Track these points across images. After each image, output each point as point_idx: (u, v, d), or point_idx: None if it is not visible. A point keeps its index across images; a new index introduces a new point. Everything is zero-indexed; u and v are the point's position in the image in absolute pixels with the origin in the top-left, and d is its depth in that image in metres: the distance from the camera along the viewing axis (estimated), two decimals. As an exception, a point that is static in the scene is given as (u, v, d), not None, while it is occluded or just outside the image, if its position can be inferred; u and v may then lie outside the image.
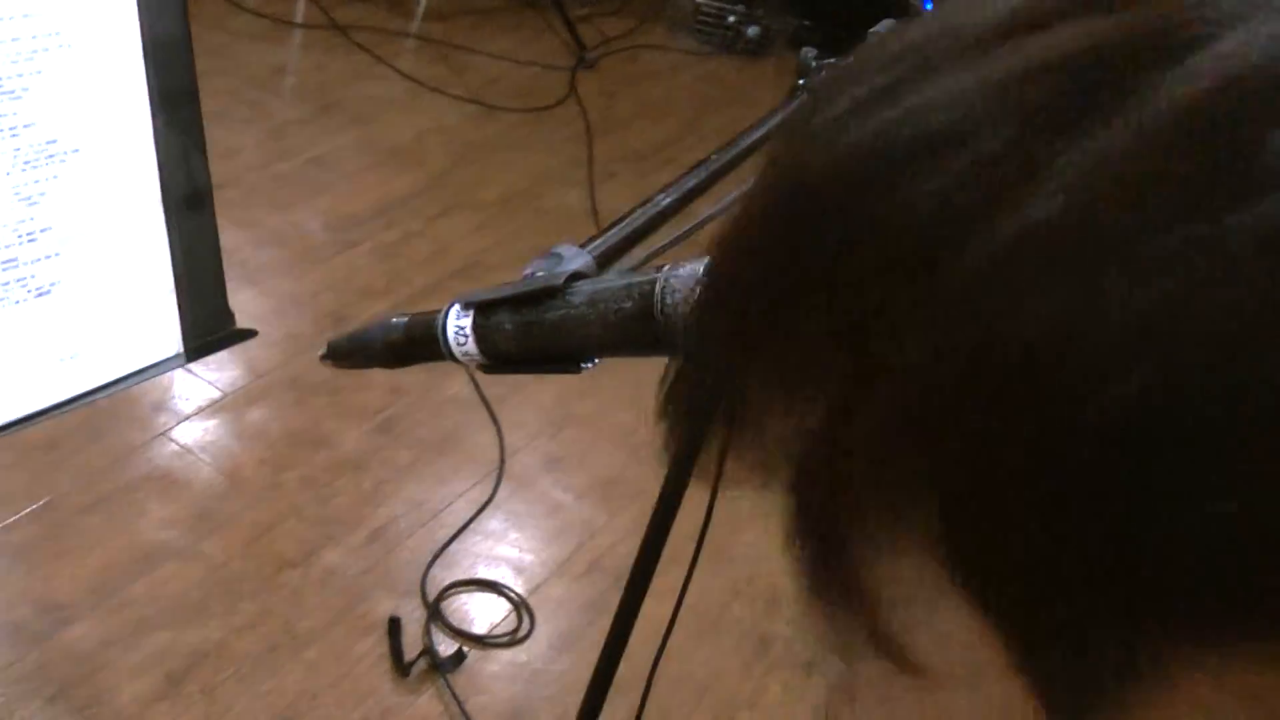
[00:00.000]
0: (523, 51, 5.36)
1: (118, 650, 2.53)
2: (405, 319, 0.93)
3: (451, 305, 0.88)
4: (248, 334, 1.61)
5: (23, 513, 2.76)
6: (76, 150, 1.42)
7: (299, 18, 5.21)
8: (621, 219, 1.05)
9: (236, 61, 4.72)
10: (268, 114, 4.52)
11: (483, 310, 0.85)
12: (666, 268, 0.78)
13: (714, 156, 1.28)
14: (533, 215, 4.28)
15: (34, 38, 1.38)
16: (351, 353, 0.96)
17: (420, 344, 0.90)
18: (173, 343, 1.55)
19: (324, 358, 0.99)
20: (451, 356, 0.88)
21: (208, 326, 1.58)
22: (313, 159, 4.30)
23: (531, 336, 0.82)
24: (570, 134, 4.87)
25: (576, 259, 0.88)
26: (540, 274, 0.85)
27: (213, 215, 1.57)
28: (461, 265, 3.88)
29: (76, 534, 2.76)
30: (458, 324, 0.87)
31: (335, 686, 2.58)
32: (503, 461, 3.20)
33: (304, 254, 3.81)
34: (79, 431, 2.94)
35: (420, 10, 5.51)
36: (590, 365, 0.84)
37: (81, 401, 1.48)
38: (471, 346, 0.86)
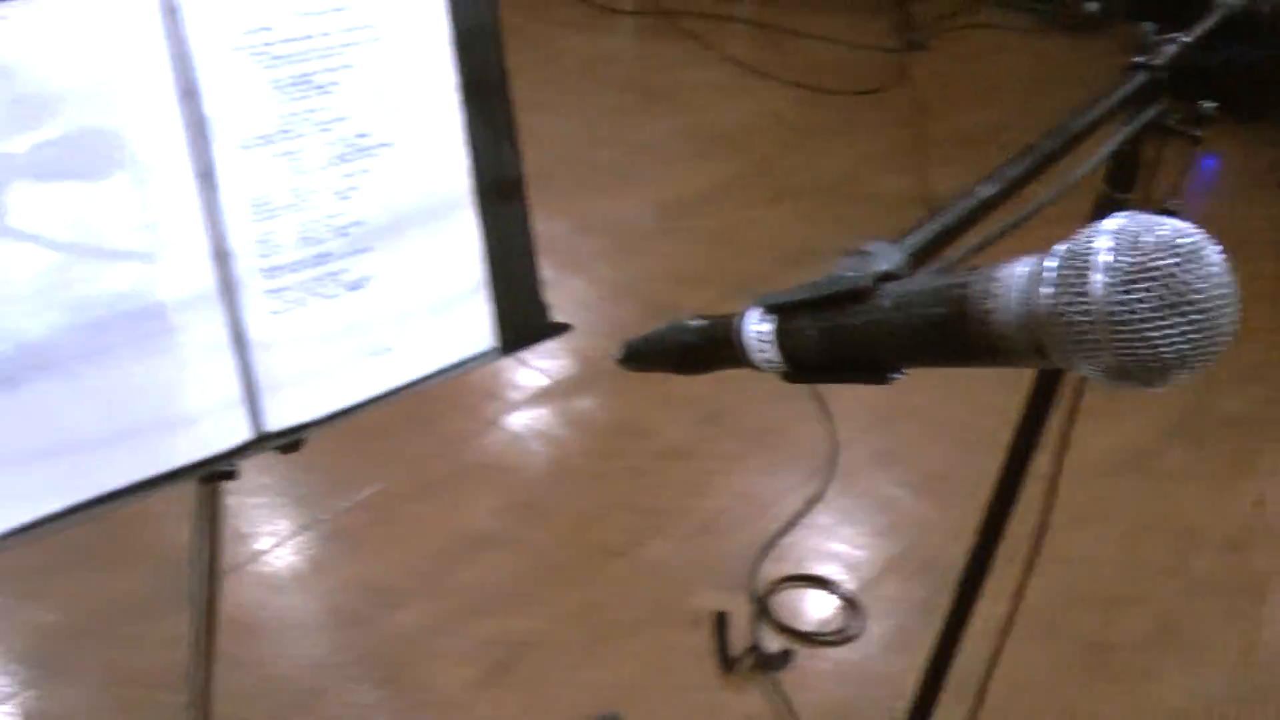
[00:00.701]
0: (851, 34, 5.26)
1: (445, 636, 2.55)
2: (702, 322, 0.87)
3: (752, 308, 0.82)
4: (563, 328, 1.57)
5: (356, 499, 2.81)
6: (387, 143, 1.41)
7: (626, 4, 5.22)
8: (938, 213, 0.96)
9: (562, 50, 4.75)
10: (594, 101, 4.53)
11: (785, 313, 0.79)
12: (982, 270, 0.69)
13: (1040, 143, 1.18)
14: (860, 202, 4.18)
15: (345, 31, 1.37)
16: (647, 356, 0.91)
17: (718, 348, 0.83)
18: (487, 336, 1.53)
19: (619, 360, 0.94)
20: (751, 363, 0.81)
21: (522, 319, 1.56)
22: (638, 146, 4.30)
23: (836, 343, 0.75)
24: (899, 117, 4.75)
25: (886, 257, 0.80)
26: (848, 274, 0.77)
27: (525, 206, 1.54)
28: (787, 253, 3.81)
29: (407, 520, 2.80)
30: (758, 328, 0.80)
31: (659, 680, 2.55)
32: (834, 454, 3.12)
33: (630, 242, 3.80)
34: (411, 418, 2.99)
35: (749, -7, 5.47)
36: (898, 376, 0.76)
37: (396, 395, 1.48)
38: (773, 352, 0.79)
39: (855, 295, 0.74)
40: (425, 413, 3.03)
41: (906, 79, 5.01)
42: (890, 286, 0.75)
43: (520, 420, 3.11)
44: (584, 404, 3.19)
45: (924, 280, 0.73)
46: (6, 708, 2.31)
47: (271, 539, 2.69)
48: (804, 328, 0.77)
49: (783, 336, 0.78)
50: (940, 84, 5.02)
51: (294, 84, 1.34)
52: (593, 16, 5.08)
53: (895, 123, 4.71)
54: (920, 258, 0.91)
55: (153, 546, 2.51)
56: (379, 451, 2.92)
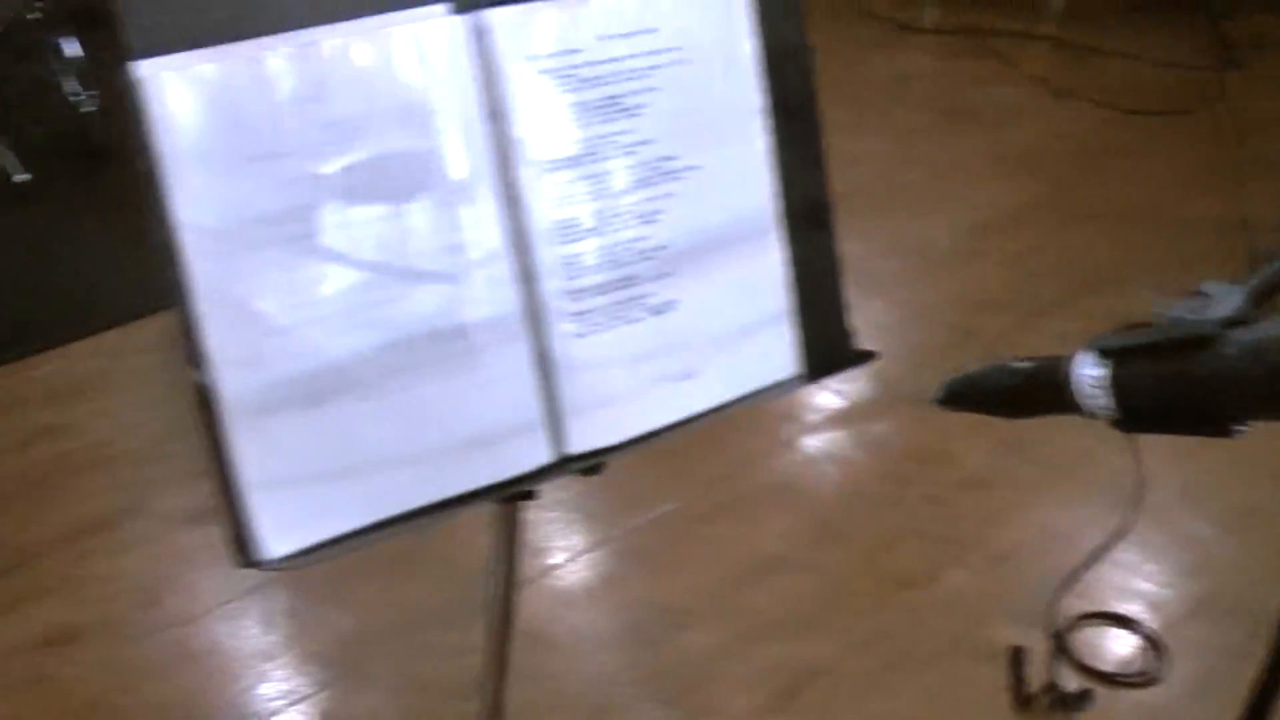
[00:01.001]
0: (1160, 52, 5.09)
1: (732, 660, 2.54)
2: (1027, 364, 0.82)
3: (1083, 352, 0.77)
4: (868, 355, 1.54)
5: (649, 517, 2.82)
6: (693, 167, 1.39)
7: (927, 22, 5.15)
8: (1274, 251, 0.90)
9: (863, 68, 4.71)
10: (894, 121, 4.48)
11: (1119, 358, 0.74)
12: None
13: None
14: (1170, 226, 4.03)
15: (653, 53, 1.36)
16: (968, 397, 0.87)
17: (1044, 392, 0.79)
18: (790, 363, 1.50)
19: (939, 402, 0.90)
20: (1080, 409, 0.77)
21: (827, 346, 1.53)
22: (940, 166, 4.23)
23: (1177, 392, 0.70)
24: (1211, 138, 4.56)
25: (1227, 300, 0.74)
26: (1188, 318, 0.72)
27: (833, 232, 1.51)
28: (1092, 278, 3.69)
29: (698, 540, 2.79)
30: (1091, 374, 0.75)
31: (951, 715, 2.48)
32: (1138, 487, 3.00)
33: (930, 264, 3.74)
34: (705, 438, 2.95)
35: (1055, 11, 5.34)
36: (1244, 429, 0.70)
37: (698, 421, 1.46)
38: (1105, 399, 0.74)
39: (1198, 342, 0.69)
40: (719, 432, 3.02)
41: (1219, 99, 4.81)
42: (1237, 333, 0.69)
43: (815, 443, 3.07)
44: (880, 428, 3.14)
45: (1275, 327, 0.67)
46: (302, 707, 2.38)
47: (565, 554, 2.71)
48: (1141, 375, 0.72)
49: (1117, 383, 0.73)
50: (1256, 104, 4.81)
51: (601, 106, 1.34)
52: (894, 35, 5.02)
53: (1206, 144, 4.53)
54: (1261, 299, 0.85)
55: (449, 556, 2.56)
56: (673, 470, 2.92)
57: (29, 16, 3.83)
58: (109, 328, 3.23)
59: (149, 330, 3.21)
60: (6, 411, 2.98)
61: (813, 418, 3.14)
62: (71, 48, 3.94)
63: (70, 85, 3.89)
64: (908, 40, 5.09)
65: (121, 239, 3.49)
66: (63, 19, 3.93)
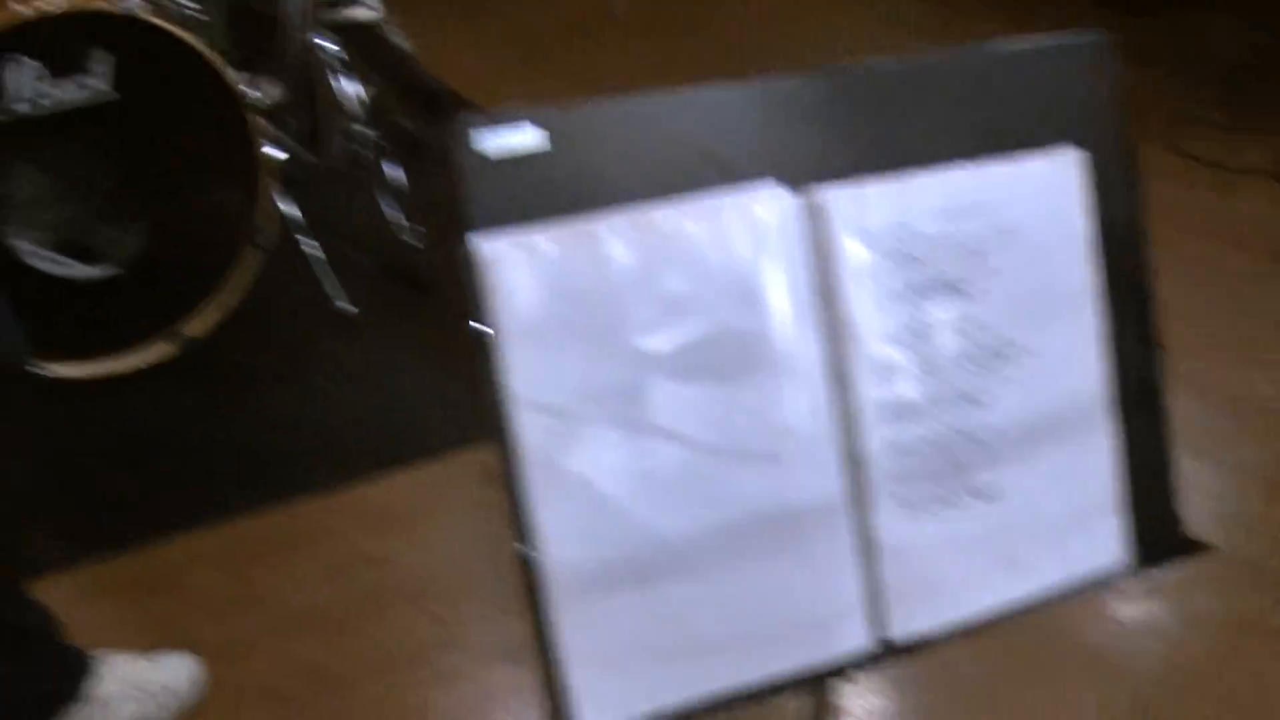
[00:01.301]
0: None
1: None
2: None
3: None
4: (1201, 547, 1.47)
5: (952, 681, 2.73)
6: (1024, 348, 1.37)
7: (1255, 163, 4.98)
8: None
9: (1182, 211, 4.55)
10: (1220, 269, 4.32)
11: None
12: None
13: None
14: None
15: (986, 232, 1.34)
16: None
17: None
18: (1118, 552, 1.45)
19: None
20: None
21: (1157, 535, 1.47)
22: (1272, 318, 4.06)
23: None
24: None
25: None
26: None
27: (1165, 417, 1.46)
28: None
29: (1005, 711, 2.70)
30: None
31: None
32: None
33: (1259, 424, 3.57)
34: (1015, 600, 2.89)
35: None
36: None
37: (1022, 608, 1.43)
38: None
39: None
40: (1030, 594, 2.93)
41: None
42: None
43: (1132, 611, 2.95)
44: (1203, 598, 2.99)
45: None
46: None
47: (866, 713, 2.66)
48: None
49: None
50: None
51: (932, 285, 1.33)
52: (1218, 177, 4.86)
53: None
54: None
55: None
56: (979, 634, 2.83)
57: (359, 150, 3.95)
58: (428, 459, 3.31)
59: (467, 463, 3.27)
60: (326, 539, 3.07)
61: (1131, 585, 3.02)
62: (396, 175, 4.05)
63: (393, 214, 4.00)
64: (1233, 183, 4.91)
65: (441, 371, 3.58)
66: (389, 149, 4.05)
